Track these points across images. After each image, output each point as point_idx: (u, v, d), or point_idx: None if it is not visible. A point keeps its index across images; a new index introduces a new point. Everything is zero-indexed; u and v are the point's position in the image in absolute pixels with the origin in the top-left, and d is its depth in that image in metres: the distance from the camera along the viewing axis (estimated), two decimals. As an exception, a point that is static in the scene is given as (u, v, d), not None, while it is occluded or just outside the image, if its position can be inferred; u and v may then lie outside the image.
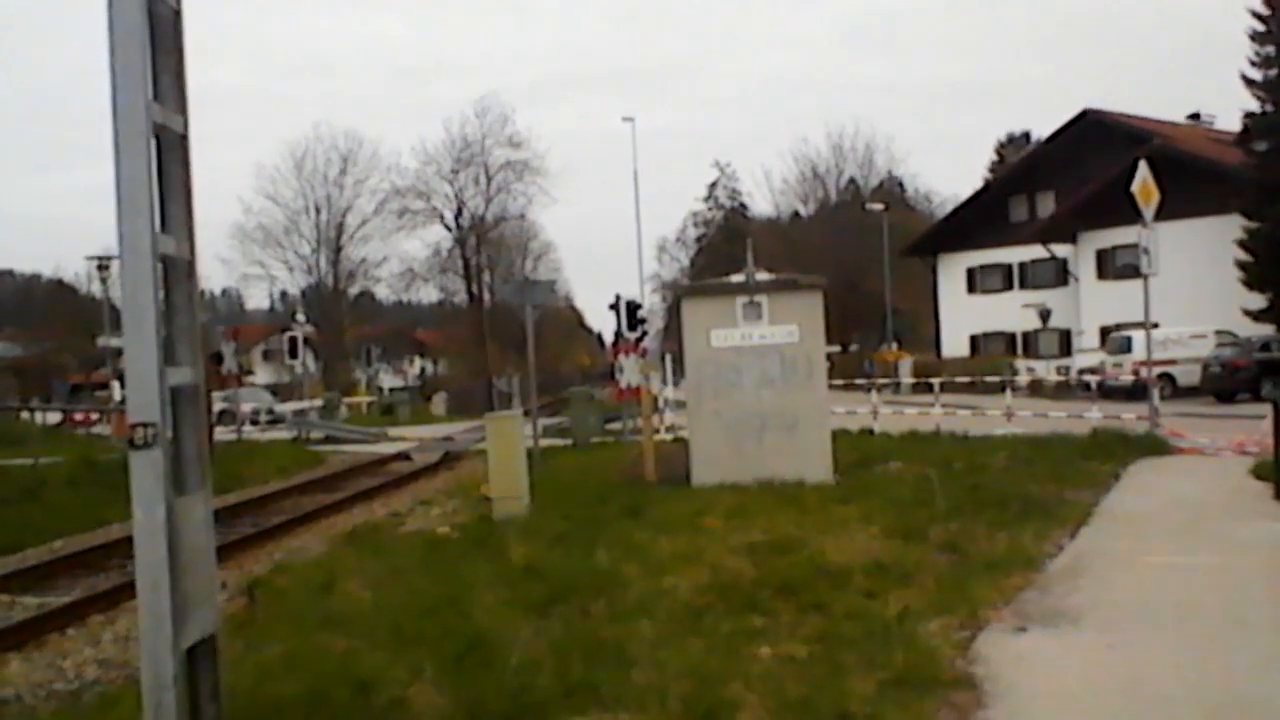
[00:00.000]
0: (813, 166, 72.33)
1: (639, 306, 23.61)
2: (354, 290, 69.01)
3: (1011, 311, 44.54)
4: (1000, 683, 5.44)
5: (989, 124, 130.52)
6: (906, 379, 41.25)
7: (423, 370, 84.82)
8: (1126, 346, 31.05)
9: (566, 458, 19.99)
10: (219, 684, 4.21)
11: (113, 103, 3.80)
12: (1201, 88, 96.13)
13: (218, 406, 32.98)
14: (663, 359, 29.63)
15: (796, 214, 73.78)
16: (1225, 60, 76.51)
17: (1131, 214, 17.86)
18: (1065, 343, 42.32)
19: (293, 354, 37.84)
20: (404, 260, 65.61)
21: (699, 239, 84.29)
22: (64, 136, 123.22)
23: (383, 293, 71.74)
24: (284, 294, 71.23)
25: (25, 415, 34.40)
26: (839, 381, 31.85)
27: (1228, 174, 34.76)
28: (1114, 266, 37.85)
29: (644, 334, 23.77)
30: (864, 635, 6.19)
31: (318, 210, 64.69)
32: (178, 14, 4.12)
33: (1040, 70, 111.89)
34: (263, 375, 64.93)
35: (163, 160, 4.05)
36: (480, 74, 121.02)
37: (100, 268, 35.00)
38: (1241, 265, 34.22)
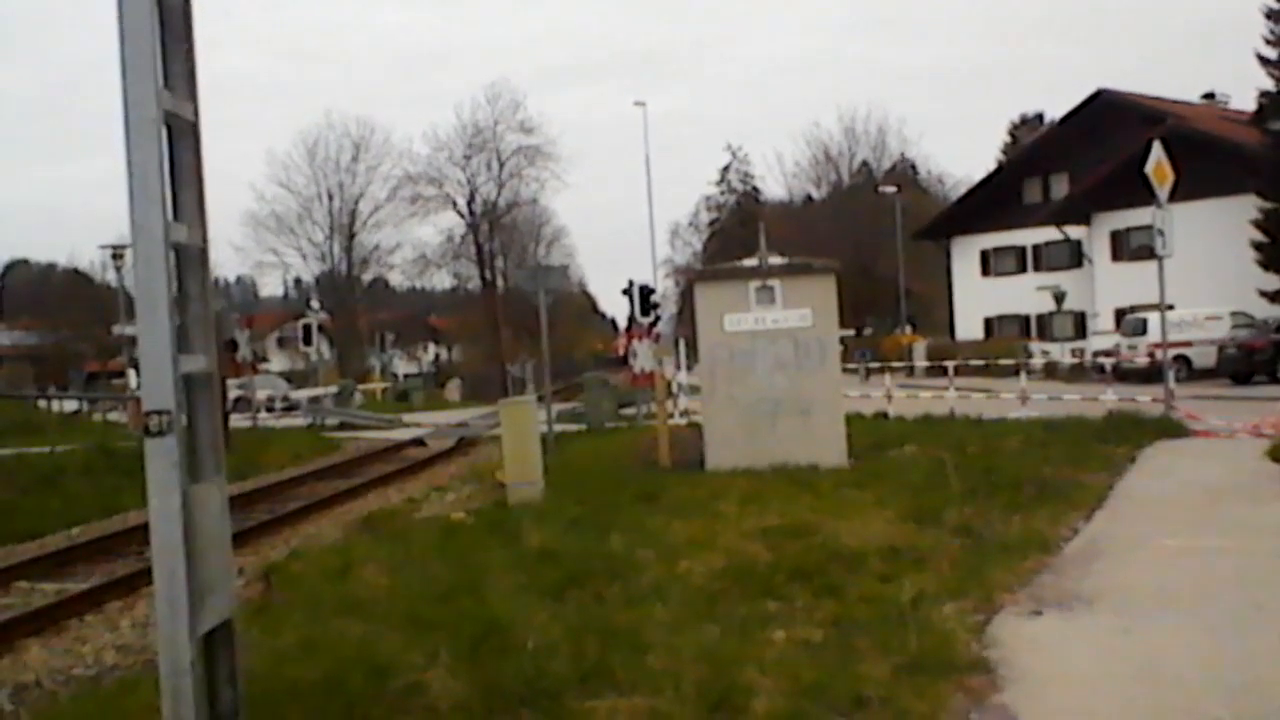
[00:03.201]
0: (825, 149, 72.38)
1: (652, 291, 23.62)
2: (367, 277, 69.19)
3: (1026, 294, 44.35)
4: (1015, 666, 5.43)
5: (1002, 105, 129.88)
6: (920, 362, 41.17)
7: (437, 356, 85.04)
8: (1141, 328, 30.91)
9: (581, 443, 20.02)
10: (236, 668, 4.23)
11: (123, 91, 3.80)
12: (1216, 67, 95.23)
13: (233, 394, 33.10)
14: (676, 344, 29.62)
15: (809, 197, 73.70)
16: (1240, 39, 75.93)
17: (1146, 195, 17.76)
18: (1080, 325, 42.13)
19: (307, 341, 37.99)
20: (417, 246, 65.76)
21: (712, 223, 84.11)
22: (77, 126, 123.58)
23: (396, 279, 71.90)
24: (298, 281, 71.54)
25: (42, 403, 34.63)
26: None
27: (1243, 154, 34.51)
28: (1129, 248, 37.64)
29: (657, 319, 23.78)
30: (878, 619, 6.19)
31: (330, 197, 64.84)
32: (187, 1, 4.11)
33: (1053, 50, 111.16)
34: (277, 362, 65.16)
35: (174, 148, 4.05)
36: (491, 59, 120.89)
37: (114, 256, 35.20)
38: (1257, 246, 34.02)
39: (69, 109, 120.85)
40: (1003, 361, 33.94)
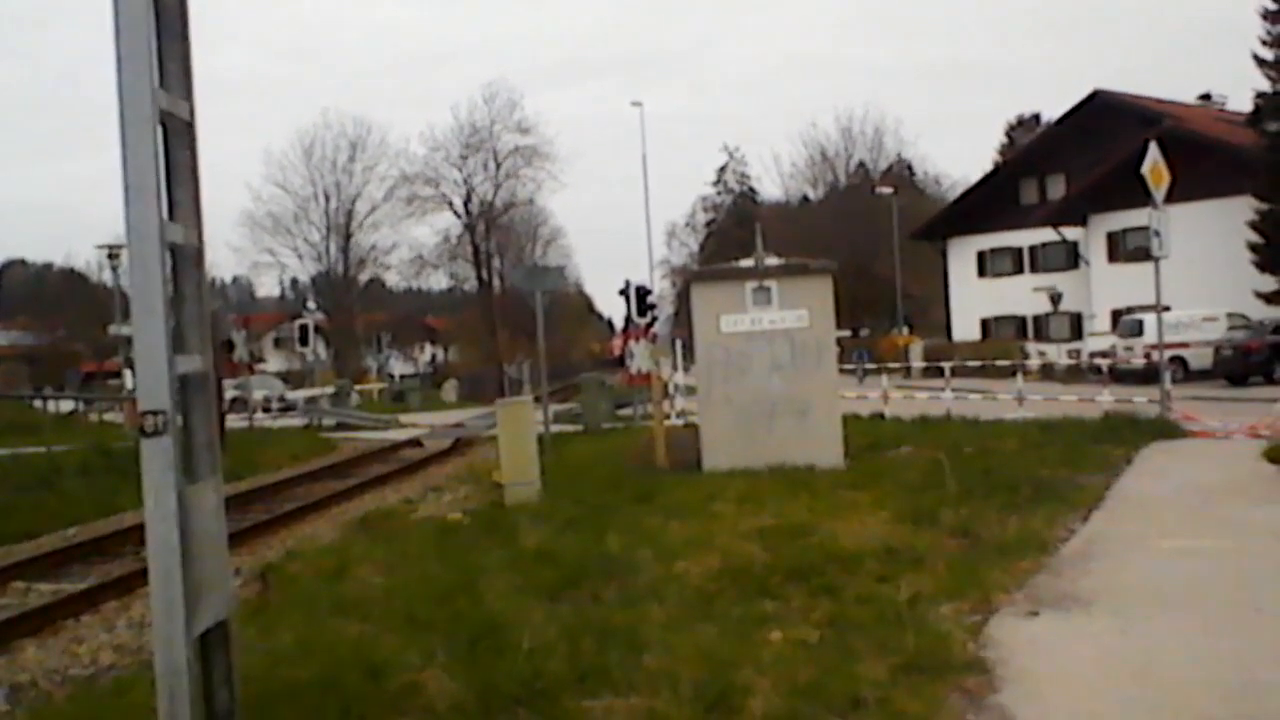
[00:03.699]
0: (822, 150, 72.47)
1: (649, 292, 23.60)
2: (364, 277, 69.17)
3: (1022, 295, 44.40)
4: (1012, 667, 5.43)
5: (999, 106, 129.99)
6: (917, 363, 41.18)
7: (433, 357, 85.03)
8: (1138, 330, 30.96)
9: (578, 443, 20.01)
10: (232, 669, 4.22)
11: (118, 90, 3.78)
12: (1213, 68, 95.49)
13: (230, 394, 33.08)
14: (673, 344, 29.60)
15: (806, 198, 73.76)
16: (1237, 40, 76.11)
17: (1142, 196, 17.78)
18: (1076, 326, 42.20)
19: (303, 341, 37.94)
20: (413, 247, 65.88)
21: (708, 224, 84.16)
22: (73, 125, 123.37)
23: (393, 279, 71.95)
24: (294, 281, 71.48)
25: (38, 404, 34.51)
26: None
27: (1239, 155, 34.54)
28: (1125, 249, 37.71)
29: (654, 319, 23.77)
30: (875, 620, 6.18)
31: (327, 197, 64.87)
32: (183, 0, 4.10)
33: (1050, 51, 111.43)
34: (274, 363, 65.07)
35: (170, 147, 4.04)
36: (488, 59, 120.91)
37: (110, 256, 35.01)
38: (1253, 247, 34.05)
39: (64, 107, 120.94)
40: (999, 362, 33.95)
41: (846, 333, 45.48)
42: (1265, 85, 34.81)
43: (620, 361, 26.42)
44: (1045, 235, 43.96)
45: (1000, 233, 46.81)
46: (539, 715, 4.93)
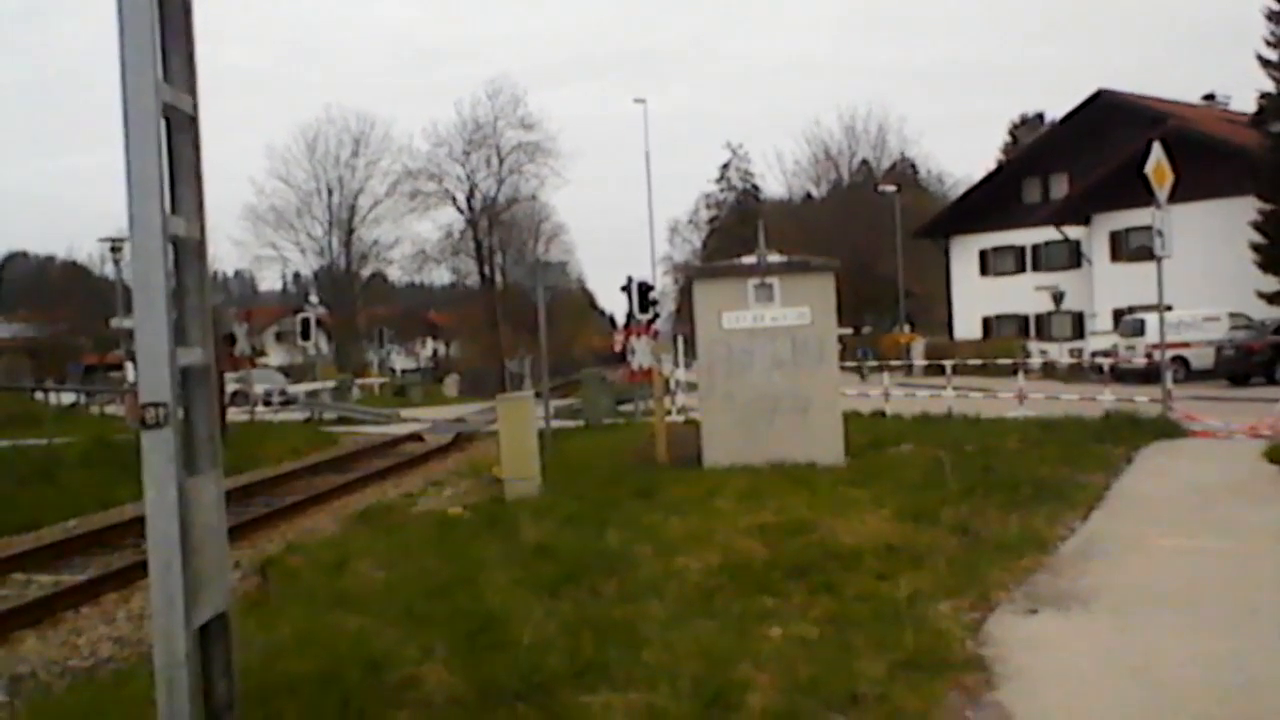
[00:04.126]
0: (825, 148, 72.52)
1: (651, 288, 23.58)
2: (366, 272, 69.21)
3: (1024, 294, 44.33)
4: (1010, 664, 5.44)
5: (1002, 105, 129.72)
6: (919, 361, 41.15)
7: (435, 352, 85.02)
8: (1139, 329, 30.91)
9: (578, 439, 20.01)
10: (231, 662, 4.23)
11: (122, 84, 3.78)
12: (1217, 68, 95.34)
13: (231, 388, 33.09)
14: (675, 341, 29.59)
15: (809, 195, 73.76)
16: (1241, 40, 76.07)
17: (1145, 196, 17.75)
18: (1078, 325, 42.14)
19: (305, 335, 37.92)
20: (416, 242, 65.81)
21: (711, 221, 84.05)
22: (76, 118, 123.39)
23: (395, 274, 71.94)
24: (297, 276, 71.62)
25: (39, 396, 34.55)
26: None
27: (1243, 155, 34.47)
28: (1128, 248, 37.64)
29: (656, 316, 23.77)
30: (874, 617, 6.19)
31: (330, 192, 64.90)
32: (187, -6, 4.10)
33: (1054, 50, 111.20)
34: (276, 357, 65.12)
35: (173, 141, 4.04)
36: (492, 55, 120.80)
37: (113, 249, 35.04)
38: (1256, 247, 33.98)
39: (68, 100, 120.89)
40: (1001, 361, 33.93)
41: (848, 330, 45.47)
42: (1269, 85, 34.70)
43: (621, 357, 26.43)
44: (1048, 234, 43.90)
45: (1003, 231, 46.74)
46: (538, 710, 4.93)
